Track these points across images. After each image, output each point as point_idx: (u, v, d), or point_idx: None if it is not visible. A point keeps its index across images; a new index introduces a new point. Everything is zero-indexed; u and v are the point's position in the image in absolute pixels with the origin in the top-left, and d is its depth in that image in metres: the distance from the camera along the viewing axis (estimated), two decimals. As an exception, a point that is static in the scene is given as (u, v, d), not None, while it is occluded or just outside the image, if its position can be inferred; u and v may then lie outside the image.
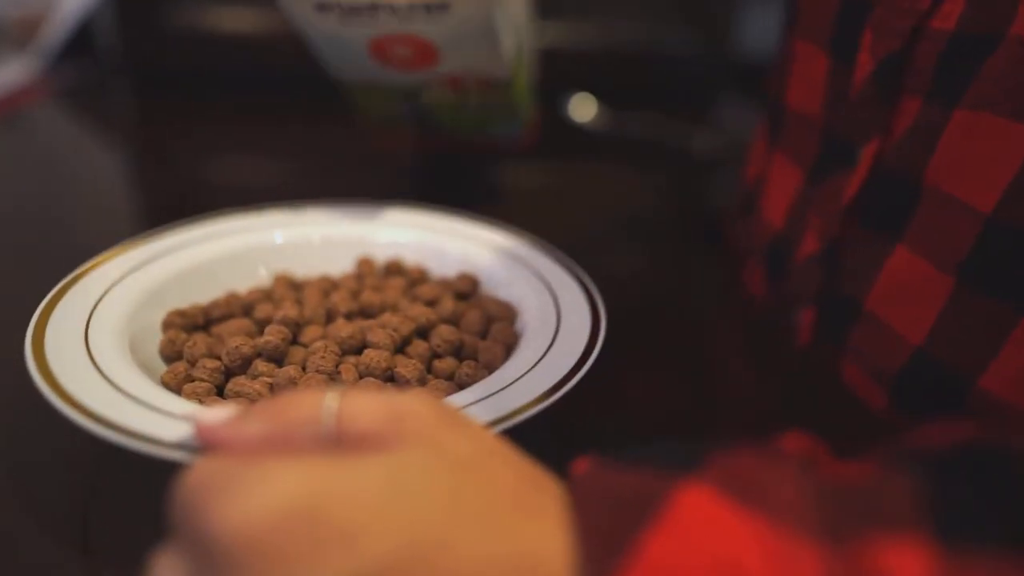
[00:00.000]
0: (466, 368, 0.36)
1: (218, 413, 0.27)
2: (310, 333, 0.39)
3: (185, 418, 0.30)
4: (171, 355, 0.38)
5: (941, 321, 0.37)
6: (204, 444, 0.27)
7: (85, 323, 0.36)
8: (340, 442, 0.25)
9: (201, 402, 0.34)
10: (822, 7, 0.43)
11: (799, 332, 0.46)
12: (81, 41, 0.90)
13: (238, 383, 0.35)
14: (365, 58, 0.50)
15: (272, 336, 0.37)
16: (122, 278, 0.40)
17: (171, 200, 0.68)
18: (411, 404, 0.25)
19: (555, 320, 0.39)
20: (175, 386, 0.36)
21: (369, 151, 0.81)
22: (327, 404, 0.25)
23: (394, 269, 0.46)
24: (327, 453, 0.24)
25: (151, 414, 0.30)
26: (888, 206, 0.39)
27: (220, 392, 0.36)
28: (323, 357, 0.36)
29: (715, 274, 0.60)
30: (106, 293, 0.39)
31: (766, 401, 0.45)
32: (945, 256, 0.36)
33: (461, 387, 0.36)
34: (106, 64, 0.89)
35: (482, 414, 0.31)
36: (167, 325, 0.40)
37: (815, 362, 0.46)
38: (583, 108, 0.87)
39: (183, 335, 0.39)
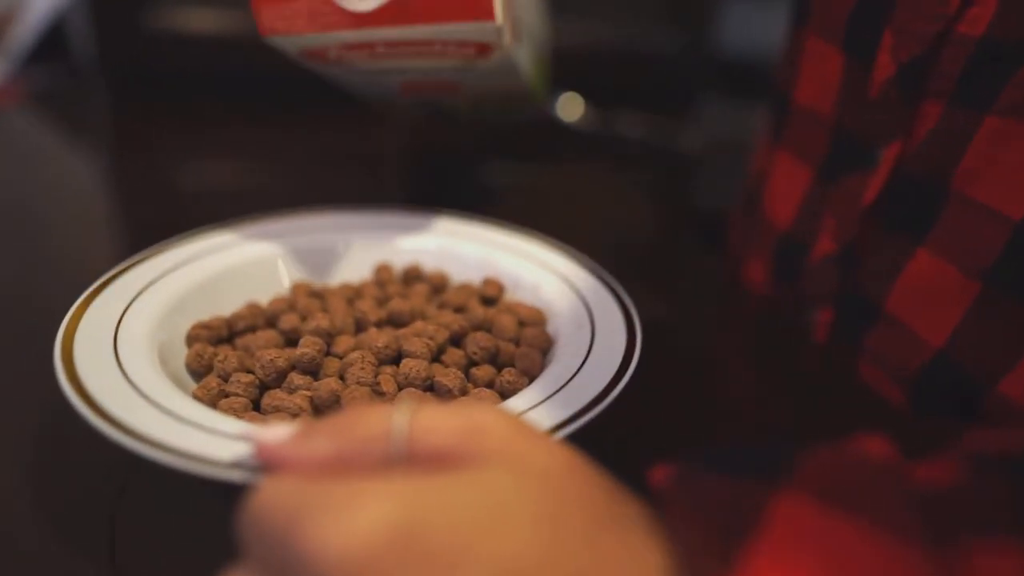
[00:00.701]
0: (507, 376, 0.36)
1: (278, 431, 0.26)
2: (342, 344, 0.38)
3: (239, 437, 0.29)
4: (199, 369, 0.37)
5: (964, 324, 0.37)
6: (266, 464, 0.26)
7: (113, 339, 0.35)
8: (412, 459, 0.24)
9: (239, 418, 0.33)
10: (836, 5, 0.43)
11: (815, 332, 0.46)
12: (52, 43, 0.87)
13: (276, 397, 0.34)
14: (392, 92, 0.52)
15: (308, 348, 0.36)
16: (142, 291, 0.39)
17: (158, 207, 0.65)
18: (486, 419, 0.24)
19: (589, 323, 0.39)
20: (208, 401, 0.34)
21: (358, 152, 0.80)
22: (398, 420, 0.24)
23: (413, 275, 0.45)
24: (402, 471, 0.23)
25: (200, 433, 0.29)
26: (910, 209, 0.39)
27: (256, 407, 0.35)
28: (362, 368, 0.35)
29: (715, 273, 0.60)
30: (128, 308, 0.37)
31: (784, 400, 0.45)
32: (971, 261, 0.36)
33: (503, 395, 0.35)
34: (81, 66, 0.86)
35: (542, 422, 0.31)
36: (192, 339, 0.38)
37: (831, 361, 0.46)
38: (570, 108, 0.86)
39: (210, 349, 0.38)
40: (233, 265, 0.43)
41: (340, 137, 0.82)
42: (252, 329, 0.40)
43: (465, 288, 0.44)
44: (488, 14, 0.37)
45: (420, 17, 0.37)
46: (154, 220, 0.62)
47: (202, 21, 0.84)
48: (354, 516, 0.20)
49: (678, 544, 0.23)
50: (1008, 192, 0.35)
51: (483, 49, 0.40)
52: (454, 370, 0.36)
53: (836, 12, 0.43)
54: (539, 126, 0.84)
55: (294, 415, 0.33)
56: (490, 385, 0.36)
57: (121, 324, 0.36)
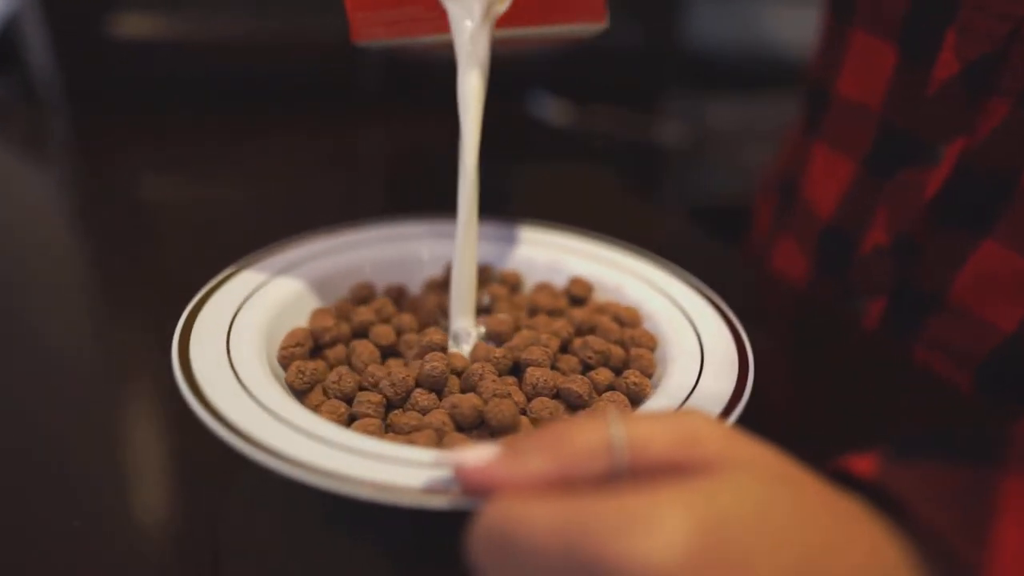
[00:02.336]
0: (632, 377, 0.35)
1: (481, 453, 0.25)
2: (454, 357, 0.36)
3: (431, 463, 0.27)
4: (301, 387, 0.34)
5: None
6: (475, 487, 0.24)
7: (231, 369, 0.32)
8: (634, 471, 0.23)
9: (378, 439, 0.31)
10: (889, 2, 0.43)
11: (865, 320, 0.47)
12: (3, 53, 0.80)
13: (412, 416, 0.32)
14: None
15: (437, 363, 0.34)
16: (235, 315, 0.36)
17: (133, 223, 0.60)
18: (699, 426, 0.24)
19: (686, 320, 0.38)
20: (342, 425, 0.32)
21: (335, 156, 0.76)
22: (615, 433, 0.23)
23: (485, 276, 0.43)
24: (627, 483, 0.23)
25: (379, 463, 0.27)
26: (974, 203, 0.40)
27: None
28: (493, 381, 0.33)
29: (735, 263, 0.60)
30: (231, 332, 0.34)
31: (846, 386, 0.45)
32: None
33: (631, 397, 0.35)
34: (37, 78, 0.79)
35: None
36: (287, 357, 0.36)
37: (886, 348, 0.46)
38: (547, 106, 0.86)
39: (310, 365, 0.35)
40: (312, 280, 0.40)
41: (315, 141, 0.79)
42: (337, 342, 0.38)
43: (547, 288, 0.42)
44: (599, 17, 0.36)
45: (532, 20, 0.35)
46: (135, 237, 0.58)
47: (163, 28, 0.79)
48: (661, 527, 0.20)
49: (920, 533, 0.23)
50: None
51: (582, 38, 0.39)
52: (581, 376, 0.35)
53: (889, 9, 0.43)
54: (515, 124, 0.83)
55: (441, 433, 0.31)
56: (609, 389, 0.36)
57: (231, 353, 0.33)
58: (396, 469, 0.27)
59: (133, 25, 0.78)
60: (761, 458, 0.23)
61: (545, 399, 0.33)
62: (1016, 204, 0.39)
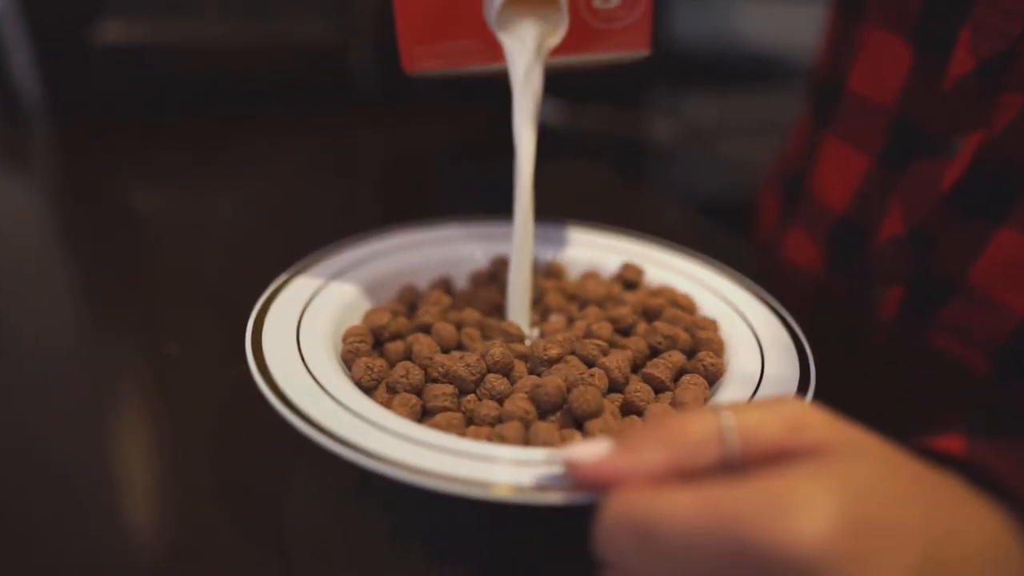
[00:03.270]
0: (708, 359, 0.33)
1: (594, 449, 0.24)
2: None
3: (536, 461, 0.26)
4: (369, 383, 0.32)
5: None
6: (592, 482, 0.23)
7: (310, 376, 0.30)
8: (746, 459, 0.23)
9: (462, 434, 0.29)
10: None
11: (882, 308, 0.46)
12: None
13: (490, 408, 0.30)
14: None
15: (499, 347, 0.32)
16: (300, 319, 0.34)
17: (130, 238, 0.56)
18: (803, 413, 0.23)
19: (732, 310, 0.38)
20: (412, 418, 0.30)
21: (332, 159, 0.73)
22: (726, 423, 0.23)
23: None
24: (740, 471, 0.22)
25: (480, 463, 0.26)
26: (990, 193, 0.40)
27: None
28: (574, 366, 0.31)
29: (743, 257, 0.58)
30: (299, 339, 0.33)
31: (867, 377, 0.43)
32: None
33: (708, 379, 0.33)
34: (19, 88, 0.74)
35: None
36: (352, 353, 0.33)
37: (905, 335, 0.45)
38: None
39: (378, 361, 0.33)
40: (365, 283, 0.39)
41: (312, 144, 0.76)
42: (396, 337, 0.36)
43: (594, 276, 0.41)
44: (644, 46, 0.36)
45: (580, 50, 0.36)
46: (130, 242, 0.55)
47: (153, 33, 0.75)
48: (807, 507, 0.20)
49: (1019, 511, 0.22)
50: None
51: (623, 63, 0.39)
52: (663, 361, 0.33)
53: (903, 5, 0.43)
54: (510, 126, 0.81)
55: (526, 422, 0.29)
56: (682, 373, 0.34)
57: (305, 357, 0.31)
58: (500, 468, 0.25)
59: (121, 31, 0.74)
60: (865, 441, 0.23)
61: (640, 384, 0.32)
62: None
